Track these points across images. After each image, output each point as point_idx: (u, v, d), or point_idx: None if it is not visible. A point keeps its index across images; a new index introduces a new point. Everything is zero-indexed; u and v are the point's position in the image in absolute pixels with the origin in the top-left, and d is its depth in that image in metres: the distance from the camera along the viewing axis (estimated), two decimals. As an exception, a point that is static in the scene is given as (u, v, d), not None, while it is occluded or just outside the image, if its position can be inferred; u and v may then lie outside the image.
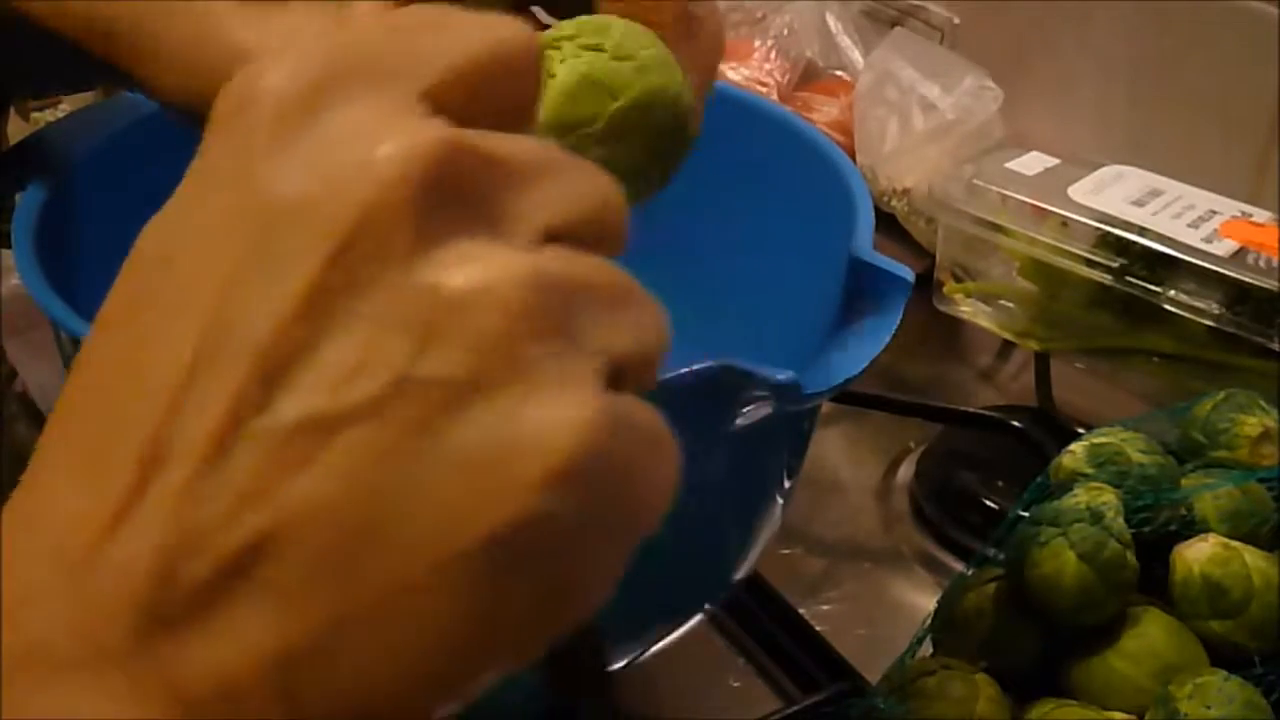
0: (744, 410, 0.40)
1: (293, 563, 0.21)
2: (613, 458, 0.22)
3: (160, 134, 0.50)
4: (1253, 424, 0.50)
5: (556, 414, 0.21)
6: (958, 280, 0.73)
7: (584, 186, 0.24)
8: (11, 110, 0.60)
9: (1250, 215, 0.67)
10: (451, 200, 0.22)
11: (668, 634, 0.49)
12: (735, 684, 0.57)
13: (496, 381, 0.21)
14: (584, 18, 0.32)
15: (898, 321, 0.43)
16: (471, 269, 0.21)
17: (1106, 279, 0.64)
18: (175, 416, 0.21)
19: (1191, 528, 0.47)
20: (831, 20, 0.87)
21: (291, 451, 0.21)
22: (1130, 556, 0.45)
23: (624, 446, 0.22)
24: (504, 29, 0.24)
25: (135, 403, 0.21)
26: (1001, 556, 0.48)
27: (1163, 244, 0.64)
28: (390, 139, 0.21)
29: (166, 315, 0.22)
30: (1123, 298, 0.65)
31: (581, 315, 0.22)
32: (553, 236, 0.23)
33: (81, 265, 0.47)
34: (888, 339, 0.42)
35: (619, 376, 0.23)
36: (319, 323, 0.21)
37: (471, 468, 0.21)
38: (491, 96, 0.24)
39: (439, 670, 0.22)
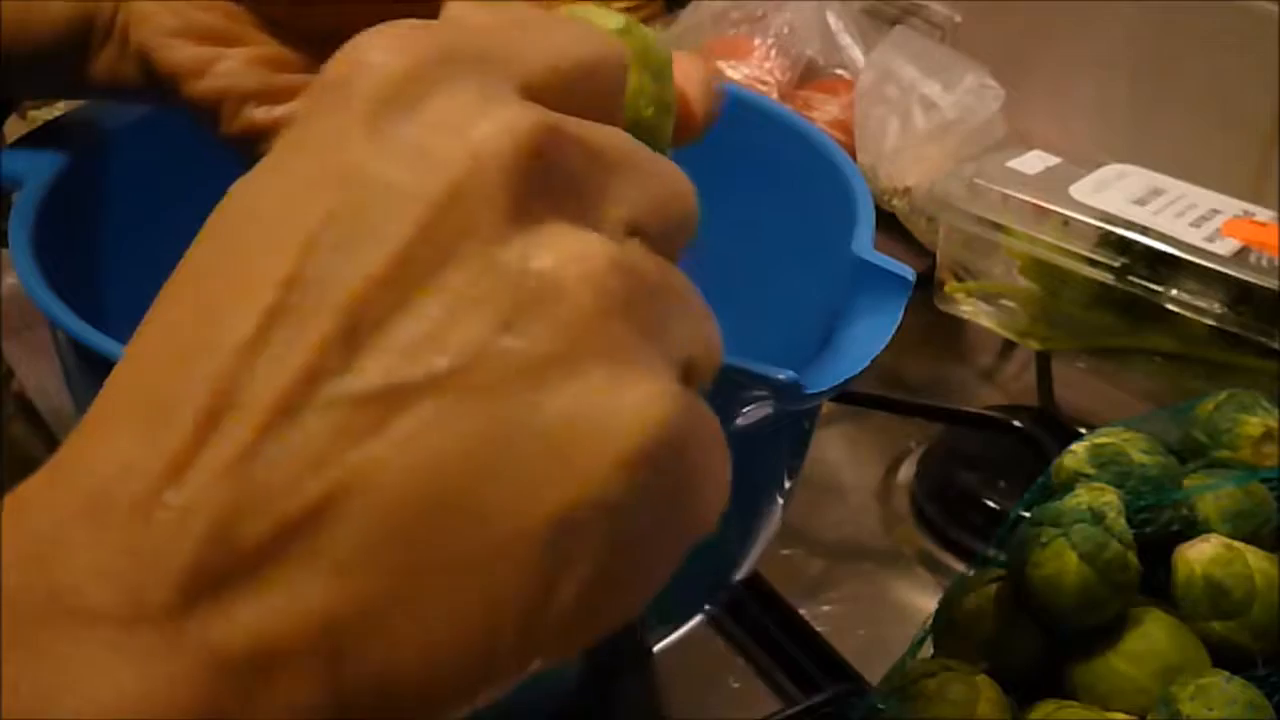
0: (744, 410, 0.40)
1: (353, 531, 0.20)
2: (685, 450, 0.22)
3: (158, 132, 0.50)
4: (1255, 424, 0.50)
5: (641, 398, 0.21)
6: (959, 280, 0.73)
7: (670, 184, 0.24)
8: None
9: (1252, 214, 0.66)
10: (544, 182, 0.22)
11: (668, 634, 0.48)
12: (735, 684, 0.57)
13: (582, 360, 0.21)
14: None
15: (898, 321, 0.42)
16: (565, 250, 0.21)
17: (1108, 278, 0.64)
18: (246, 370, 0.20)
19: (1193, 528, 0.47)
20: (832, 18, 0.87)
21: (364, 417, 0.20)
22: (1132, 557, 0.45)
23: (694, 441, 0.22)
24: (600, 40, 0.25)
25: (205, 352, 0.21)
26: (1003, 557, 0.47)
27: (1164, 243, 0.63)
28: (489, 119, 0.22)
29: (247, 267, 0.21)
30: (1124, 297, 0.65)
31: (661, 309, 0.23)
32: (635, 230, 0.23)
33: (79, 264, 0.47)
34: (888, 339, 0.42)
35: (688, 376, 0.23)
36: (404, 291, 0.21)
37: (546, 445, 0.21)
38: (583, 99, 0.24)
39: (483, 654, 0.21)
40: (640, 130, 0.32)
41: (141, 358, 0.22)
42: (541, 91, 0.23)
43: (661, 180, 0.24)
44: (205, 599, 0.20)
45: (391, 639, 0.21)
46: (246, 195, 0.22)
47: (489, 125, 0.22)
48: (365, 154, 0.22)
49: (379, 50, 0.22)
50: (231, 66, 0.38)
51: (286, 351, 0.20)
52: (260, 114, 0.38)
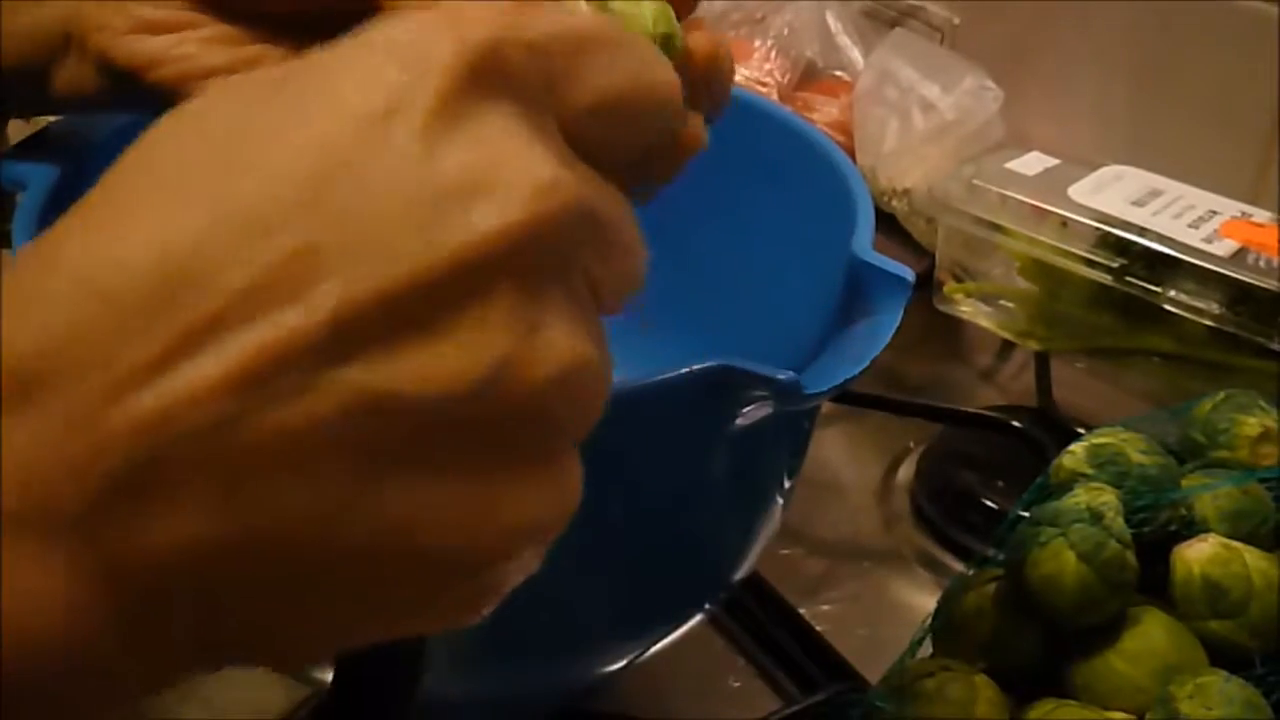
0: (744, 410, 0.40)
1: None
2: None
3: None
4: (1253, 424, 0.50)
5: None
6: (958, 280, 0.73)
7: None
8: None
9: (1250, 215, 0.67)
10: (549, 256, 0.22)
11: (668, 634, 0.48)
12: (735, 684, 0.57)
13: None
14: None
15: (898, 321, 0.42)
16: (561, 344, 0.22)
17: (1107, 279, 0.64)
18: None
19: (1192, 528, 0.47)
20: (831, 20, 0.87)
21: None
22: (1130, 557, 0.45)
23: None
24: (659, 69, 0.25)
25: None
26: (1001, 557, 0.48)
27: (1163, 244, 0.63)
28: (519, 182, 0.21)
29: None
30: (1123, 298, 0.65)
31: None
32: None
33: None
34: (888, 339, 0.42)
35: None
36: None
37: None
38: (625, 136, 0.25)
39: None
40: None
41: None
42: (583, 130, 0.23)
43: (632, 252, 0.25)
44: (118, 513, 0.20)
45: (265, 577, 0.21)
46: (235, 118, 0.22)
47: (512, 193, 0.21)
48: (397, 163, 0.21)
49: (447, 47, 0.22)
50: (189, 49, 0.38)
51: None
52: None
